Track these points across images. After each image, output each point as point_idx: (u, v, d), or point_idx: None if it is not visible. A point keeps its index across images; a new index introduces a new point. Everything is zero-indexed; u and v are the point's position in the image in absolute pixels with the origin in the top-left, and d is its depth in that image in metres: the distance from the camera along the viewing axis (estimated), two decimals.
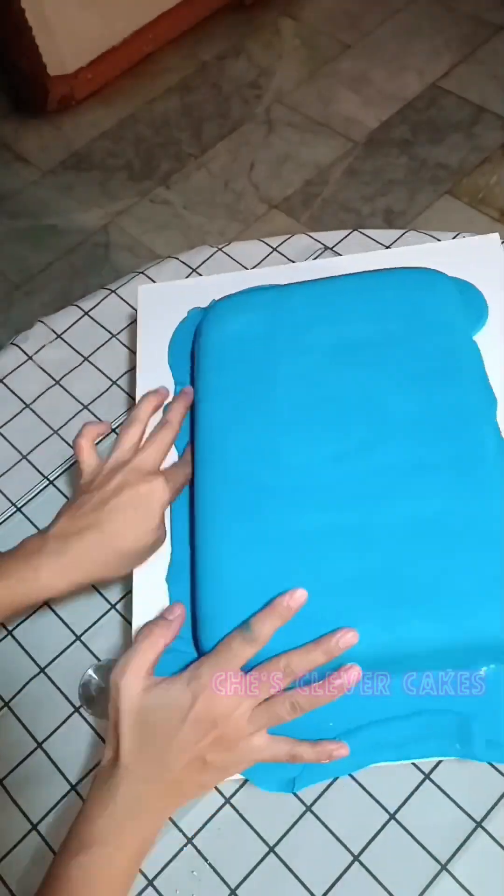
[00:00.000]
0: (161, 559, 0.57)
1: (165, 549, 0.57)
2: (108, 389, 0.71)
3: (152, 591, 0.56)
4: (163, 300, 0.70)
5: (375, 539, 0.50)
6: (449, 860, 0.49)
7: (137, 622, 0.54)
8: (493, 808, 0.50)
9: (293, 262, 0.76)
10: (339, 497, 0.52)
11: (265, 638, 0.46)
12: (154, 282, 0.77)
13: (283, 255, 0.77)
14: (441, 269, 0.63)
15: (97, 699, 0.57)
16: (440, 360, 0.56)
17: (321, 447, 0.54)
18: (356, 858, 0.50)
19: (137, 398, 0.62)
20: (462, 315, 0.60)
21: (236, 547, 0.51)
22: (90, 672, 0.57)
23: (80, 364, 0.73)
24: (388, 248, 0.75)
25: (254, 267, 0.76)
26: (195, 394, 0.60)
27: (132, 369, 0.72)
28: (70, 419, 0.70)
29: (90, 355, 0.74)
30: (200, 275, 0.77)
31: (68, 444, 0.69)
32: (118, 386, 0.71)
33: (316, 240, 0.77)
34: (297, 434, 0.55)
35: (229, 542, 0.52)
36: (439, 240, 0.75)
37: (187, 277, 0.77)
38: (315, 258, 0.75)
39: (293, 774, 0.49)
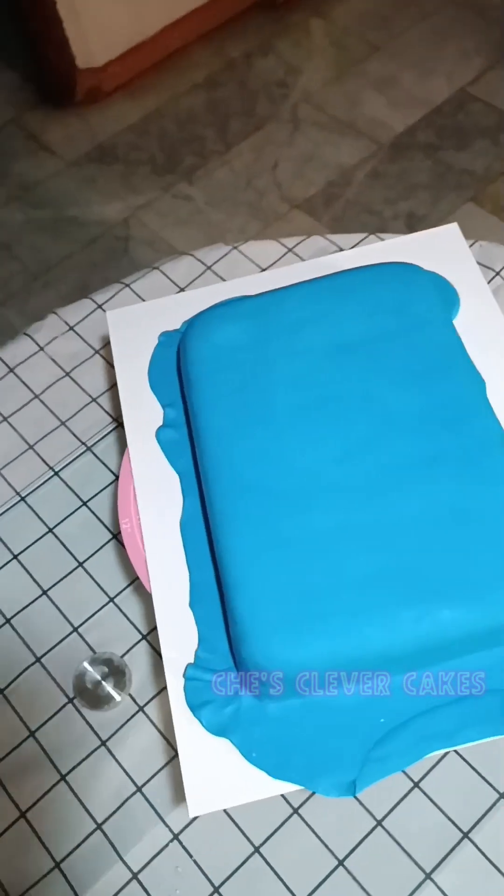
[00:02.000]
0: (180, 584, 0.56)
1: (183, 573, 0.56)
2: (117, 383, 0.71)
3: (177, 618, 0.55)
4: (133, 323, 0.68)
5: (390, 534, 0.50)
6: (434, 869, 0.49)
7: (168, 654, 0.53)
8: (480, 819, 0.50)
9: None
10: (349, 496, 0.52)
11: None
12: (169, 279, 0.78)
13: (298, 255, 0.77)
14: (413, 260, 0.64)
15: (91, 691, 0.57)
16: (431, 353, 0.57)
17: (325, 448, 0.54)
18: (341, 863, 0.50)
19: (126, 424, 0.62)
20: (442, 306, 0.61)
21: (258, 556, 0.51)
22: (85, 664, 0.58)
23: (91, 357, 0.74)
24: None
25: (266, 269, 0.76)
26: (191, 409, 0.60)
27: None
28: (78, 411, 0.70)
29: (101, 348, 0.74)
30: (216, 273, 0.77)
31: (75, 436, 0.69)
32: None
33: (332, 241, 0.77)
34: (300, 437, 0.55)
35: (250, 553, 0.51)
36: None
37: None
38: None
39: (352, 777, 0.48)
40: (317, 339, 0.59)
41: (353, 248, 0.75)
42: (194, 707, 0.51)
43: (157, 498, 0.59)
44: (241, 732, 0.50)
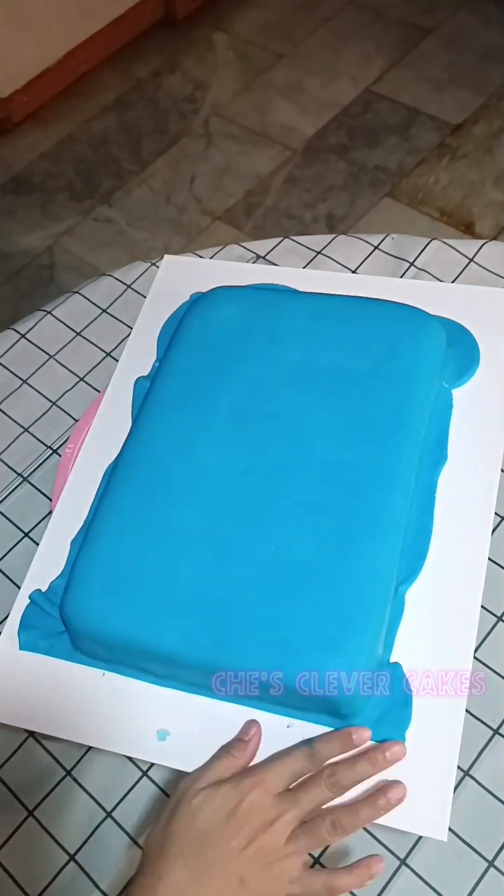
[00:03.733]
0: (78, 519, 0.59)
1: (85, 511, 0.59)
2: (48, 410, 0.71)
3: (59, 547, 0.59)
4: (182, 275, 0.71)
5: (239, 560, 0.51)
6: (408, 854, 0.50)
7: (34, 572, 0.58)
8: None
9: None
10: (229, 511, 0.53)
11: (325, 760, 0.46)
12: (90, 301, 0.77)
13: None
14: (448, 310, 0.61)
15: None
16: (388, 407, 0.55)
17: (235, 456, 0.55)
18: (317, 861, 0.50)
19: (120, 362, 0.66)
20: (437, 365, 0.57)
21: (123, 525, 0.54)
22: None
23: (19, 387, 0.73)
24: (401, 275, 0.74)
25: None
26: (157, 371, 0.62)
27: (70, 390, 0.72)
28: (10, 444, 0.70)
29: (28, 378, 0.73)
30: (136, 291, 0.77)
31: (9, 468, 0.68)
32: (58, 407, 0.71)
33: (248, 249, 0.78)
34: (220, 436, 0.55)
35: (119, 520, 0.54)
36: (370, 242, 0.76)
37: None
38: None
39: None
40: (292, 352, 0.58)
41: (322, 250, 0.76)
42: (22, 625, 0.56)
43: (105, 437, 0.62)
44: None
